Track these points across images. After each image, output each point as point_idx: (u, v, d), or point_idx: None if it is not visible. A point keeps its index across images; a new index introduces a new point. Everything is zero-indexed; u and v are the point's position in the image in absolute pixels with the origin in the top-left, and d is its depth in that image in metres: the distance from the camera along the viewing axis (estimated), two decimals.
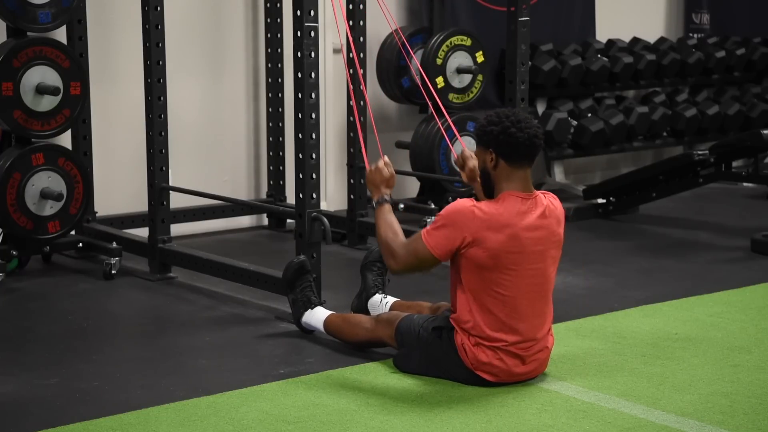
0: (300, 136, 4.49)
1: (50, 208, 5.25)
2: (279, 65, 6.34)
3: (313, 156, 4.49)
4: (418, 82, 5.19)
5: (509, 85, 5.33)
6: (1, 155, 5.18)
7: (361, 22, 5.99)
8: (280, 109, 6.38)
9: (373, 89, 6.59)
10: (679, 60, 8.10)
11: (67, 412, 3.51)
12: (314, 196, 4.50)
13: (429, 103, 4.68)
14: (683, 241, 6.28)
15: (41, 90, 5.14)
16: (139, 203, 5.84)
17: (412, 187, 6.90)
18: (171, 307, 4.87)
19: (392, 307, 4.26)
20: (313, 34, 4.43)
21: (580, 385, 3.75)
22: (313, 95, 4.47)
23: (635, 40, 8.17)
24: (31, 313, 4.76)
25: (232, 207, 6.28)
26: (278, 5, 6.30)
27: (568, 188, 7.47)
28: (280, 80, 6.35)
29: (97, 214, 5.77)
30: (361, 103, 5.78)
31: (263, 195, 6.62)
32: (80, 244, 5.57)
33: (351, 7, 5.97)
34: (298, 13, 4.42)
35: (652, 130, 7.90)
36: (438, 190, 6.55)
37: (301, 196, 4.50)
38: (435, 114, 4.63)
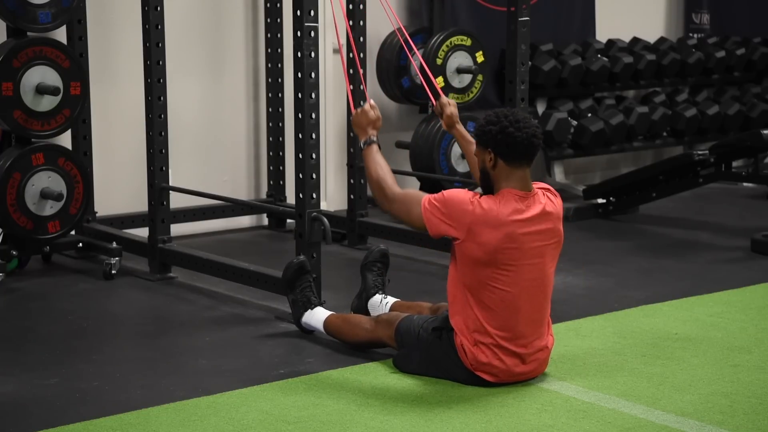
0: (300, 136, 4.49)
1: (50, 208, 5.25)
2: (279, 65, 6.34)
3: (313, 156, 4.49)
4: (420, 73, 5.18)
5: (509, 85, 5.32)
6: (1, 155, 5.17)
7: (361, 22, 5.99)
8: (280, 109, 6.37)
9: (373, 89, 6.59)
10: (679, 60, 8.10)
11: (67, 412, 3.51)
12: (314, 196, 4.50)
13: (429, 92, 4.68)
14: (683, 241, 6.28)
15: (41, 90, 5.14)
16: (139, 203, 5.84)
17: (412, 187, 6.89)
18: (171, 307, 4.87)
19: (392, 308, 4.26)
20: (313, 34, 4.43)
21: (580, 385, 3.75)
22: (313, 95, 4.47)
23: (635, 40, 8.17)
24: (31, 313, 4.76)
25: (232, 207, 6.28)
26: (278, 5, 6.30)
27: (568, 188, 7.47)
28: (280, 80, 6.35)
29: (97, 214, 5.77)
30: (361, 102, 5.78)
31: (263, 195, 6.62)
32: (80, 244, 5.57)
33: (351, 7, 5.96)
34: (298, 13, 4.42)
35: (652, 130, 7.89)
36: (438, 190, 6.52)
37: (301, 196, 4.50)
38: (432, 97, 4.63)
